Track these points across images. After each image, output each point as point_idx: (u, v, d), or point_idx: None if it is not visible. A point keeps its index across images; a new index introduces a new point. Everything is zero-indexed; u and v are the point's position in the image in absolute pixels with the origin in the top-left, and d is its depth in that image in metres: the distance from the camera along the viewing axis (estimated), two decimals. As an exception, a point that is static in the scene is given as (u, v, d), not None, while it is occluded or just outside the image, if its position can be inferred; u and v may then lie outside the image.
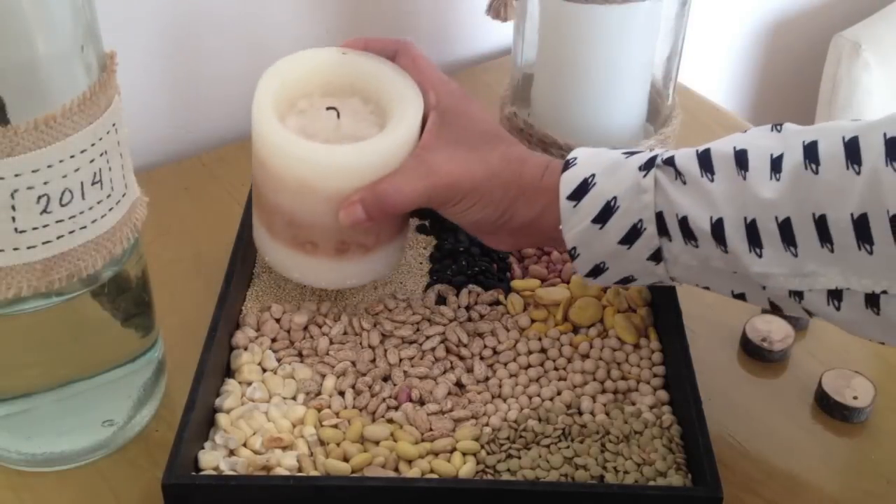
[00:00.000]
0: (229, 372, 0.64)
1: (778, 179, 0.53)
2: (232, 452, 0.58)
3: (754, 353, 0.68)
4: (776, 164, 0.53)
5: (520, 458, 0.59)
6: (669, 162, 0.56)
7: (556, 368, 0.65)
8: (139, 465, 0.61)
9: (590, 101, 0.80)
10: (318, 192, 0.61)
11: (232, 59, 0.87)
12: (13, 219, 0.49)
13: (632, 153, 0.59)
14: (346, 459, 0.58)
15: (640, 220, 0.57)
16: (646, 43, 0.79)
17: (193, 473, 0.57)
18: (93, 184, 0.52)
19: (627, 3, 0.74)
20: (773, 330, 0.69)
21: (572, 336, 0.66)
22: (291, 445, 0.59)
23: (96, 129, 0.51)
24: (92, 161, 0.51)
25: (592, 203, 0.58)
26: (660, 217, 0.56)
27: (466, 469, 0.58)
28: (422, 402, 0.62)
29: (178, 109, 0.87)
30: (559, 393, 0.63)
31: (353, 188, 0.60)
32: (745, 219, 0.54)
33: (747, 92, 1.34)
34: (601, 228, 0.57)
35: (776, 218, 0.53)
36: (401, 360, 0.64)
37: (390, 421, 0.61)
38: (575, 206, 0.58)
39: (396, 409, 0.61)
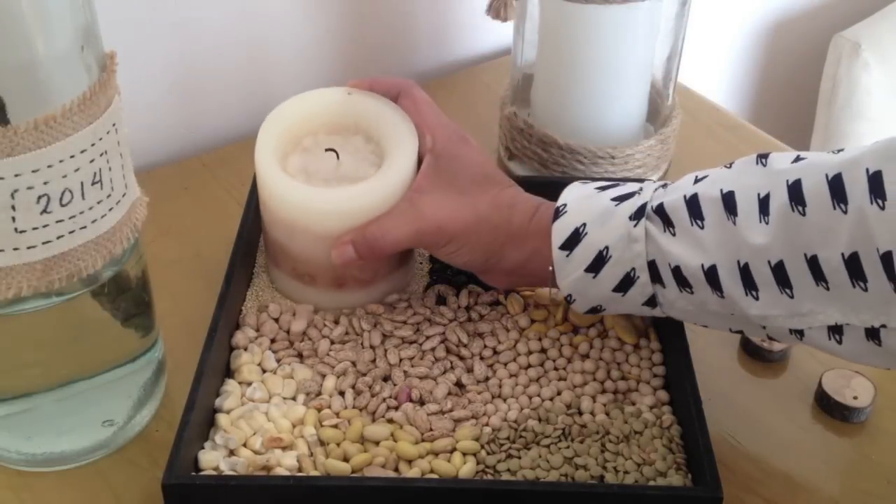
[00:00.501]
0: (229, 372, 0.64)
1: (767, 223, 0.53)
2: (232, 452, 0.58)
3: (754, 353, 0.68)
4: (764, 206, 0.53)
5: (520, 458, 0.59)
6: (659, 210, 0.57)
7: (556, 368, 0.65)
8: (139, 465, 0.61)
9: (590, 101, 0.80)
10: (312, 232, 0.64)
11: (232, 59, 0.87)
12: (13, 219, 0.49)
13: (621, 198, 0.59)
14: (346, 459, 0.58)
15: (633, 269, 0.58)
16: (646, 43, 0.79)
17: (193, 473, 0.57)
18: (93, 184, 0.52)
19: (627, 3, 0.74)
20: (773, 330, 0.69)
21: (572, 336, 0.66)
22: (291, 445, 0.59)
23: (96, 129, 0.51)
24: (92, 161, 0.51)
25: (585, 253, 0.59)
26: (652, 265, 0.57)
27: (466, 469, 0.58)
28: (422, 402, 0.62)
29: (179, 109, 0.87)
30: (559, 393, 0.63)
31: (344, 229, 0.63)
32: (739, 263, 0.54)
33: (747, 92, 1.34)
34: (595, 277, 0.59)
35: (769, 262, 0.53)
36: (401, 360, 0.64)
37: (390, 421, 0.61)
38: (568, 255, 0.59)
39: (396, 409, 0.61)
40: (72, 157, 0.50)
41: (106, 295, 0.57)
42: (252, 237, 0.70)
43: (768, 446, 0.63)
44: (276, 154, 0.65)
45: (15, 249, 0.50)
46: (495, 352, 0.65)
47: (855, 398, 0.64)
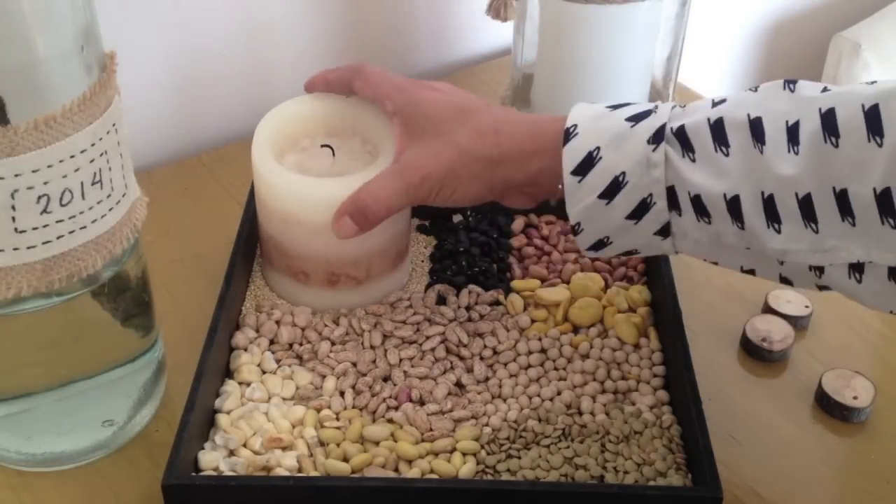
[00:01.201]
0: (229, 372, 0.64)
1: (796, 153, 0.50)
2: (232, 453, 0.58)
3: (754, 353, 0.68)
4: (793, 134, 0.51)
5: (520, 458, 0.59)
6: (679, 133, 0.54)
7: (556, 368, 0.65)
8: (139, 465, 0.61)
9: (590, 102, 0.80)
10: (304, 224, 0.64)
11: (232, 59, 0.87)
12: (13, 219, 0.49)
13: (636, 118, 0.55)
14: (346, 460, 0.58)
15: (650, 195, 0.55)
16: (646, 43, 0.79)
17: (193, 474, 0.57)
18: (93, 184, 0.52)
19: (627, 3, 0.74)
20: (773, 330, 0.69)
21: (572, 336, 0.66)
22: (291, 446, 0.59)
23: (96, 129, 0.51)
24: (92, 161, 0.51)
25: (599, 178, 0.55)
26: (671, 191, 0.54)
27: (466, 469, 0.58)
28: (422, 403, 0.62)
29: (179, 109, 0.87)
30: (559, 393, 0.63)
31: (331, 219, 0.62)
32: (763, 194, 0.52)
33: (747, 92, 1.34)
34: (608, 204, 0.55)
35: (796, 194, 0.51)
36: (401, 360, 0.64)
37: (390, 421, 0.61)
38: (580, 180, 0.56)
39: (396, 409, 0.61)
40: (72, 157, 0.50)
41: (106, 295, 0.57)
42: (252, 237, 0.71)
43: (768, 446, 0.63)
44: (272, 150, 0.66)
45: (15, 249, 0.50)
46: (495, 352, 0.65)
47: (855, 398, 0.64)
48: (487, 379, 0.64)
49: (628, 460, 0.58)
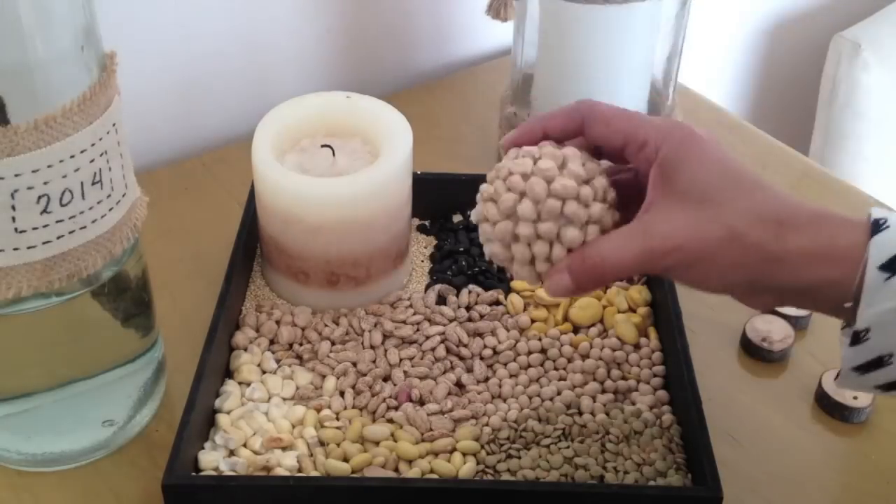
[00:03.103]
0: (229, 372, 0.64)
1: None
2: (232, 453, 0.58)
3: (754, 353, 0.68)
4: None
5: (520, 458, 0.59)
6: None
7: (556, 368, 0.65)
8: (139, 465, 0.61)
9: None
10: (304, 223, 0.64)
11: (232, 59, 0.87)
12: (13, 219, 0.49)
13: None
14: (346, 460, 0.58)
15: None
16: (646, 43, 0.79)
17: (193, 474, 0.57)
18: (93, 184, 0.52)
19: (627, 3, 0.74)
20: (773, 330, 0.69)
21: (572, 336, 0.66)
22: (291, 446, 0.59)
23: (96, 129, 0.51)
24: (92, 161, 0.51)
25: None
26: None
27: (466, 469, 0.58)
28: (422, 402, 0.62)
29: (178, 109, 0.87)
30: (559, 393, 0.63)
31: (333, 218, 0.63)
32: None
33: (747, 92, 1.34)
34: None
35: None
36: (401, 360, 0.64)
37: (390, 421, 0.61)
38: (888, 279, 0.46)
39: (396, 409, 0.61)
40: (72, 157, 0.50)
41: (106, 295, 0.57)
42: (252, 237, 0.71)
43: (768, 446, 0.63)
44: (273, 150, 0.66)
45: (15, 249, 0.50)
46: (495, 352, 0.65)
47: (855, 398, 0.64)
48: (487, 379, 0.64)
49: (628, 460, 0.58)
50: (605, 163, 0.54)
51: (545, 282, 0.52)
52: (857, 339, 0.47)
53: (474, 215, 0.53)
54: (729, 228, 0.48)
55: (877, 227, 0.47)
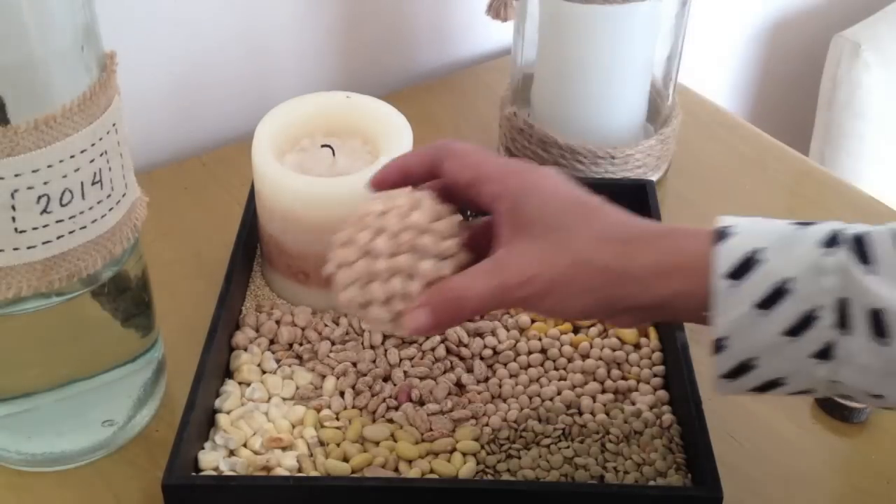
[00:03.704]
0: (229, 372, 0.64)
1: None
2: (232, 453, 0.58)
3: (754, 353, 0.68)
4: None
5: (520, 458, 0.59)
6: (858, 241, 0.46)
7: (556, 368, 0.65)
8: (139, 465, 0.61)
9: (590, 101, 0.80)
10: (304, 223, 0.64)
11: (232, 59, 0.87)
12: (13, 219, 0.49)
13: (804, 224, 0.48)
14: (346, 460, 0.58)
15: (815, 308, 0.46)
16: (646, 43, 0.79)
17: (193, 474, 0.57)
18: (93, 184, 0.52)
19: (627, 3, 0.74)
20: (773, 330, 0.69)
21: (572, 336, 0.66)
22: (291, 446, 0.59)
23: (96, 129, 0.51)
24: (92, 161, 0.51)
25: (758, 284, 0.47)
26: (842, 305, 0.46)
27: (466, 469, 0.58)
28: (422, 402, 0.62)
29: (178, 109, 0.87)
30: (559, 393, 0.63)
31: (333, 218, 0.62)
32: None
33: (747, 92, 1.34)
34: (765, 316, 0.47)
35: None
36: (401, 360, 0.64)
37: (390, 421, 0.61)
38: (735, 285, 0.47)
39: (396, 409, 0.61)
40: (72, 157, 0.50)
41: (106, 295, 0.57)
42: (252, 237, 0.71)
43: (768, 446, 0.63)
44: (272, 150, 0.66)
45: (15, 249, 0.50)
46: (495, 352, 0.65)
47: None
48: (487, 379, 0.64)
49: (628, 460, 0.58)
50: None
51: (405, 318, 0.52)
52: (718, 348, 0.48)
53: (327, 268, 0.53)
54: (576, 254, 0.50)
55: (721, 235, 0.48)
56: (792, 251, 0.47)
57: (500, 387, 0.63)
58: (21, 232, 0.50)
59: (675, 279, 0.49)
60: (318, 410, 0.61)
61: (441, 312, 0.51)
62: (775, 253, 0.47)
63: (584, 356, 0.65)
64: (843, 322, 0.46)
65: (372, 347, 0.65)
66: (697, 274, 0.48)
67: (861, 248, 0.46)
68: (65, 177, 0.50)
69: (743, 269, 0.47)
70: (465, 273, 0.51)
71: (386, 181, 0.55)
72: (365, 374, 0.63)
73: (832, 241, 0.47)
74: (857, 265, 0.46)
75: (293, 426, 0.60)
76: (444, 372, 0.64)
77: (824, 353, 0.47)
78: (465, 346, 0.65)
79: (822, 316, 0.46)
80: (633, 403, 0.62)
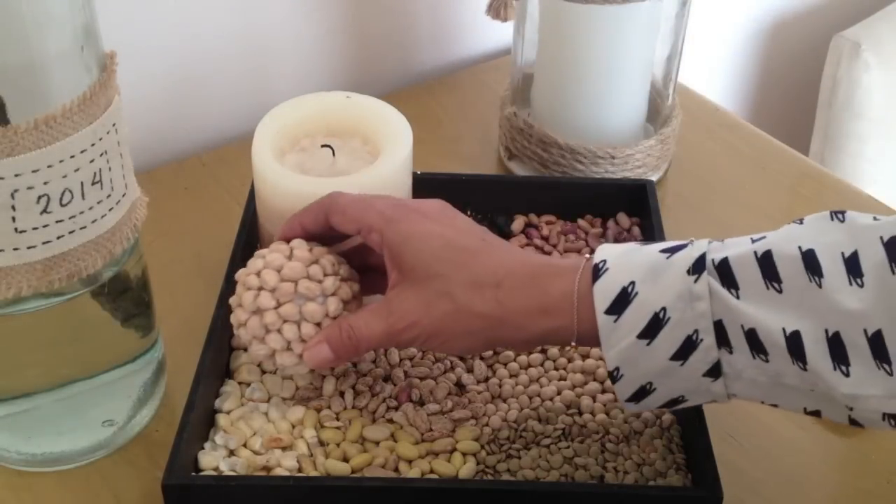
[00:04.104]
0: (229, 372, 0.64)
1: (861, 285, 0.46)
2: (232, 453, 0.58)
3: (754, 353, 0.68)
4: (853, 266, 0.46)
5: (520, 458, 0.59)
6: (723, 267, 0.49)
7: (556, 368, 0.65)
8: (139, 465, 0.61)
9: (590, 101, 0.80)
10: None
11: (232, 59, 0.87)
12: (13, 219, 0.49)
13: (671, 250, 0.51)
14: (346, 460, 0.58)
15: (696, 331, 0.49)
16: (646, 43, 0.79)
17: (193, 474, 0.57)
18: (93, 184, 0.52)
19: (627, 3, 0.74)
20: (773, 330, 0.69)
21: (572, 336, 0.66)
22: (291, 446, 0.59)
23: (96, 129, 0.51)
24: (92, 161, 0.51)
25: (636, 316, 0.50)
26: (719, 327, 0.49)
27: (466, 469, 0.58)
28: (422, 403, 0.62)
29: (178, 109, 0.87)
30: (559, 393, 0.63)
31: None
32: (827, 332, 0.47)
33: (747, 92, 1.34)
34: (649, 344, 0.50)
35: (865, 331, 0.46)
36: (401, 360, 0.64)
37: (390, 421, 0.61)
38: (616, 320, 0.50)
39: (397, 409, 0.61)
40: (72, 157, 0.50)
41: (106, 295, 0.57)
42: (252, 237, 0.70)
43: (768, 446, 0.63)
44: (272, 150, 0.66)
45: (15, 249, 0.50)
46: (495, 352, 0.65)
47: (855, 398, 0.64)
48: (487, 379, 0.64)
49: (628, 460, 0.58)
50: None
51: (306, 354, 0.56)
52: (613, 378, 0.52)
53: (235, 328, 0.58)
54: (453, 300, 0.53)
55: (596, 272, 0.51)
56: (660, 281, 0.50)
57: (500, 387, 0.63)
58: (21, 232, 0.50)
59: (544, 319, 0.53)
60: (319, 411, 0.61)
61: (339, 348, 0.56)
62: (646, 285, 0.50)
63: (584, 356, 0.65)
64: (722, 342, 0.49)
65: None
66: (563, 314, 0.52)
67: (725, 274, 0.49)
68: (65, 177, 0.50)
69: (620, 303, 0.50)
70: (362, 314, 0.56)
71: (289, 237, 0.60)
72: (365, 375, 0.63)
73: (699, 267, 0.49)
74: (723, 289, 0.49)
75: (293, 426, 0.60)
76: (444, 372, 0.64)
77: (714, 371, 0.50)
78: (465, 346, 0.65)
79: (704, 338, 0.49)
80: (633, 403, 0.62)
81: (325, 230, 0.59)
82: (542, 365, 0.65)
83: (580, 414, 0.61)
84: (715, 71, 1.28)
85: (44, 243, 0.51)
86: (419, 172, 0.70)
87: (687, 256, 0.50)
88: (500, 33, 0.98)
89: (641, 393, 0.52)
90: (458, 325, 0.54)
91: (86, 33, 0.50)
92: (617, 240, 0.73)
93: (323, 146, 0.67)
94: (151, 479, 0.59)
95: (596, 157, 0.80)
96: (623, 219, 0.75)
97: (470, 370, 0.64)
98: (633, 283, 0.50)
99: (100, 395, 0.59)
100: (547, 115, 0.82)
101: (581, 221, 0.75)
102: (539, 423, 0.60)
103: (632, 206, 0.75)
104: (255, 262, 0.58)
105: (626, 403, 0.53)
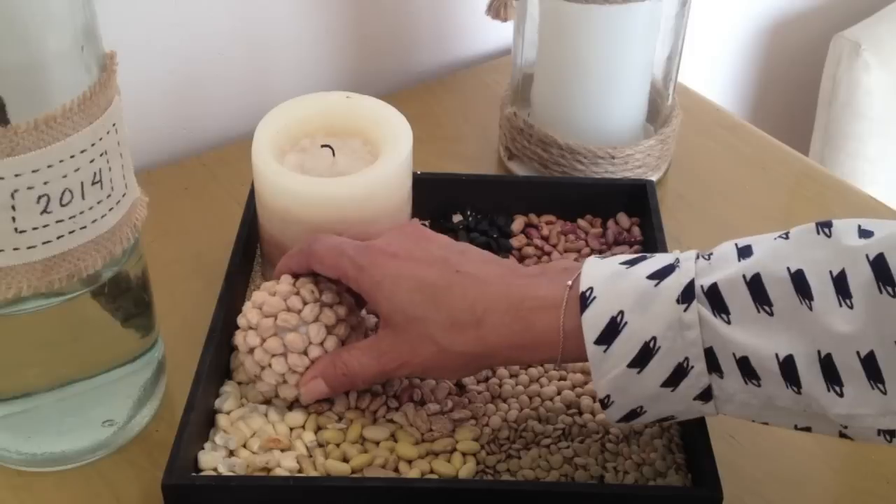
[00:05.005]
0: (229, 373, 0.64)
1: (850, 307, 0.46)
2: (232, 453, 0.58)
3: (754, 353, 0.68)
4: (841, 286, 0.46)
5: (520, 458, 0.59)
6: (713, 292, 0.49)
7: (556, 368, 0.65)
8: (139, 465, 0.61)
9: (590, 101, 0.80)
10: (302, 222, 0.64)
11: (232, 59, 0.87)
12: (13, 219, 0.49)
13: (659, 275, 0.50)
14: (345, 460, 0.58)
15: (686, 359, 0.49)
16: (646, 43, 0.79)
17: (193, 474, 0.57)
18: (93, 184, 0.52)
19: (627, 3, 0.74)
20: (773, 330, 0.69)
21: (572, 336, 0.66)
22: (290, 447, 0.59)
23: (96, 129, 0.51)
24: (92, 161, 0.51)
25: (626, 346, 0.50)
26: (710, 353, 0.49)
27: (466, 469, 0.58)
28: (422, 403, 0.62)
29: (179, 109, 0.87)
30: (559, 393, 0.63)
31: (333, 218, 0.62)
32: (819, 354, 0.47)
33: (747, 92, 1.34)
34: (639, 373, 0.50)
35: (857, 353, 0.46)
36: (401, 360, 0.64)
37: (391, 422, 0.61)
38: (606, 350, 0.50)
39: (397, 409, 0.61)
40: (72, 157, 0.50)
41: (106, 295, 0.57)
42: (252, 237, 0.71)
43: (768, 446, 0.63)
44: (272, 150, 0.66)
45: (15, 249, 0.50)
46: (495, 352, 0.65)
47: (855, 398, 0.64)
48: (487, 379, 0.64)
49: (628, 460, 0.58)
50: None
51: (302, 389, 0.58)
52: (604, 405, 0.52)
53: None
54: (435, 343, 0.54)
55: (584, 301, 0.51)
56: (650, 310, 0.50)
57: (500, 387, 0.63)
58: (21, 232, 0.50)
59: (531, 352, 0.54)
60: (320, 413, 0.61)
61: (335, 383, 0.58)
62: (635, 315, 0.50)
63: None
64: (714, 367, 0.49)
65: (372, 347, 0.65)
66: (549, 347, 0.53)
67: (715, 300, 0.49)
68: (65, 177, 0.50)
69: (609, 334, 0.50)
70: (354, 353, 0.57)
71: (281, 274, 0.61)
72: (365, 374, 0.63)
73: (688, 295, 0.49)
74: (713, 317, 0.49)
75: (292, 428, 0.60)
76: (444, 372, 0.64)
77: (705, 395, 0.50)
78: (465, 346, 0.65)
79: (695, 365, 0.49)
80: (633, 403, 0.62)
81: (310, 270, 0.60)
82: (542, 365, 0.65)
83: (580, 414, 0.61)
84: (715, 71, 1.28)
85: (44, 243, 0.51)
86: (419, 172, 0.70)
87: (675, 284, 0.50)
88: (500, 33, 0.98)
89: (632, 415, 0.53)
90: (447, 363, 0.56)
91: (86, 33, 0.50)
92: (617, 240, 0.73)
93: (323, 146, 0.67)
94: (151, 479, 0.59)
95: (596, 157, 0.80)
96: (623, 219, 0.75)
97: (470, 370, 0.64)
98: (621, 312, 0.50)
99: (100, 395, 0.59)
100: (547, 115, 0.82)
101: (581, 221, 0.75)
102: (539, 423, 0.60)
103: (632, 206, 0.75)
104: (245, 304, 0.60)
105: (619, 422, 0.54)
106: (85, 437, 0.60)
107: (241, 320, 0.60)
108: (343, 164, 0.67)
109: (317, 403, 0.61)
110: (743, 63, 1.31)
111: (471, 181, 0.76)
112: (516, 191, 0.75)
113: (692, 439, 0.58)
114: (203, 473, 0.57)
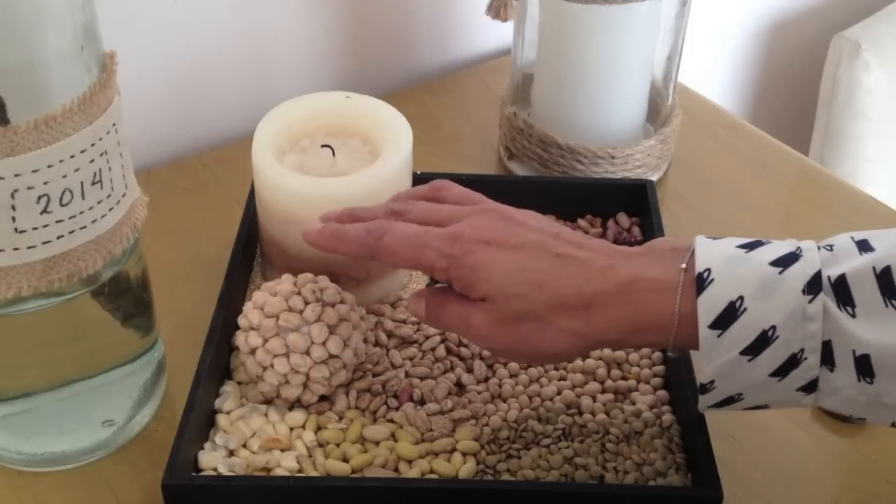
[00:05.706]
0: (229, 372, 0.64)
1: None
2: (232, 453, 0.58)
3: (754, 353, 0.68)
4: None
5: (520, 458, 0.59)
6: (840, 284, 0.47)
7: (556, 368, 0.65)
8: (139, 465, 0.61)
9: (590, 101, 0.80)
10: (302, 222, 0.64)
11: (232, 59, 0.87)
12: (13, 219, 0.49)
13: (783, 262, 0.49)
14: (345, 460, 0.58)
15: (802, 350, 0.48)
16: (646, 43, 0.79)
17: (193, 474, 0.57)
18: (93, 184, 0.52)
19: (627, 3, 0.74)
20: (773, 330, 0.69)
21: (572, 336, 0.66)
22: (290, 447, 0.59)
23: (96, 129, 0.51)
24: (92, 161, 0.51)
25: (743, 333, 0.48)
26: (826, 345, 0.48)
27: (466, 469, 0.58)
28: (422, 402, 0.62)
29: (178, 109, 0.87)
30: (559, 393, 0.63)
31: None
32: None
33: (747, 92, 1.34)
34: (751, 360, 0.48)
35: None
36: (403, 360, 0.64)
37: (391, 421, 0.61)
38: (720, 335, 0.48)
39: (397, 409, 0.61)
40: (72, 157, 0.50)
41: (106, 295, 0.57)
42: (252, 237, 0.71)
43: (768, 446, 0.63)
44: (272, 150, 0.66)
45: (15, 249, 0.50)
46: (495, 352, 0.65)
47: (855, 398, 0.64)
48: (487, 379, 0.64)
49: (628, 460, 0.58)
50: None
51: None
52: (704, 389, 0.50)
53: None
54: (537, 320, 0.51)
55: (700, 282, 0.49)
56: (773, 298, 0.48)
57: (500, 387, 0.63)
58: (21, 232, 0.50)
59: (641, 336, 0.51)
60: (320, 413, 0.61)
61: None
62: (756, 302, 0.48)
63: (584, 356, 0.65)
64: (827, 359, 0.48)
65: (375, 347, 0.65)
66: (663, 331, 0.50)
67: (841, 292, 0.47)
68: (65, 177, 0.50)
69: (726, 319, 0.48)
70: (465, 307, 0.53)
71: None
72: (365, 375, 0.63)
73: (815, 286, 0.47)
74: (838, 310, 0.47)
75: (292, 428, 0.60)
76: (445, 372, 0.64)
77: (810, 387, 0.49)
78: (465, 346, 0.65)
79: (808, 357, 0.48)
80: (633, 403, 0.62)
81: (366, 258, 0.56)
82: (542, 365, 0.65)
83: (580, 414, 0.61)
84: (715, 71, 1.28)
85: (44, 243, 0.51)
86: (419, 172, 0.70)
87: (800, 273, 0.48)
88: (500, 33, 0.98)
89: (727, 402, 0.51)
90: (544, 341, 0.52)
91: (86, 33, 0.50)
92: (617, 240, 0.73)
93: (323, 146, 0.67)
94: (151, 479, 0.59)
95: (596, 157, 0.80)
96: (623, 219, 0.75)
97: (470, 370, 0.64)
98: (741, 297, 0.48)
99: (100, 395, 0.59)
100: (547, 115, 0.82)
101: (581, 221, 0.75)
102: (539, 423, 0.60)
103: (632, 206, 0.75)
104: (246, 305, 0.61)
105: (709, 408, 0.52)
106: (85, 437, 0.60)
107: (242, 321, 0.60)
108: (343, 164, 0.67)
109: (317, 403, 0.61)
110: (743, 63, 1.31)
111: (471, 181, 0.75)
112: (516, 191, 0.75)
113: (692, 439, 0.58)
114: (203, 473, 0.57)
